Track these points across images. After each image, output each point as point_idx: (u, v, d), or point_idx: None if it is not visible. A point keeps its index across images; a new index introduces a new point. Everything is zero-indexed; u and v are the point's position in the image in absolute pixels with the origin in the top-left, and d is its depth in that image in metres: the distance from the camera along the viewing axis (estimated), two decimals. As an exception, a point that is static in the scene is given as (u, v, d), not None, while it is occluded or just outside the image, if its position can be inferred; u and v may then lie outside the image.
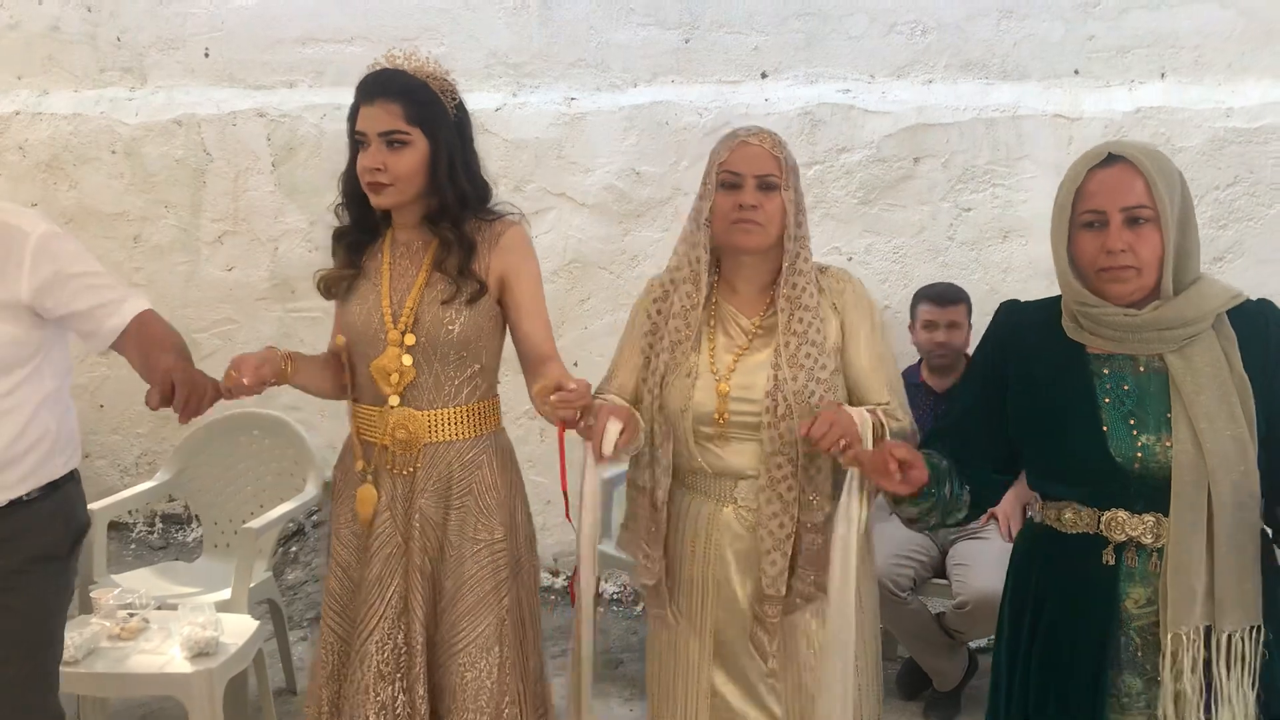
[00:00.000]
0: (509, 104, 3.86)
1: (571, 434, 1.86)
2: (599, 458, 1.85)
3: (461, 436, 2.08)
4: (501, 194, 3.84)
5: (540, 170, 3.83)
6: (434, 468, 2.06)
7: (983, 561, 2.92)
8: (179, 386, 1.88)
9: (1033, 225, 3.46)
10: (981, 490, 1.79)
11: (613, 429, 1.84)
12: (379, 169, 1.97)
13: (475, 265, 2.05)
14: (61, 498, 2.00)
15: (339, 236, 2.14)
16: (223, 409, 3.68)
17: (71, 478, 2.04)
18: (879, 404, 1.95)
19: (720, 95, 3.71)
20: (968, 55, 3.53)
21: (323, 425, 3.80)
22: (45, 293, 1.91)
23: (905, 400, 2.03)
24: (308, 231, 4.07)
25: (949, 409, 1.92)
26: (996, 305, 1.83)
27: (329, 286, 2.13)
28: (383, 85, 2.00)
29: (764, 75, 3.71)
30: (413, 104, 1.99)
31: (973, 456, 1.76)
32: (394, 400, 2.05)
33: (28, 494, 1.92)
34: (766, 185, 1.93)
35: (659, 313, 2.06)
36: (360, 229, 2.12)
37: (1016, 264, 3.48)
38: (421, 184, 2.02)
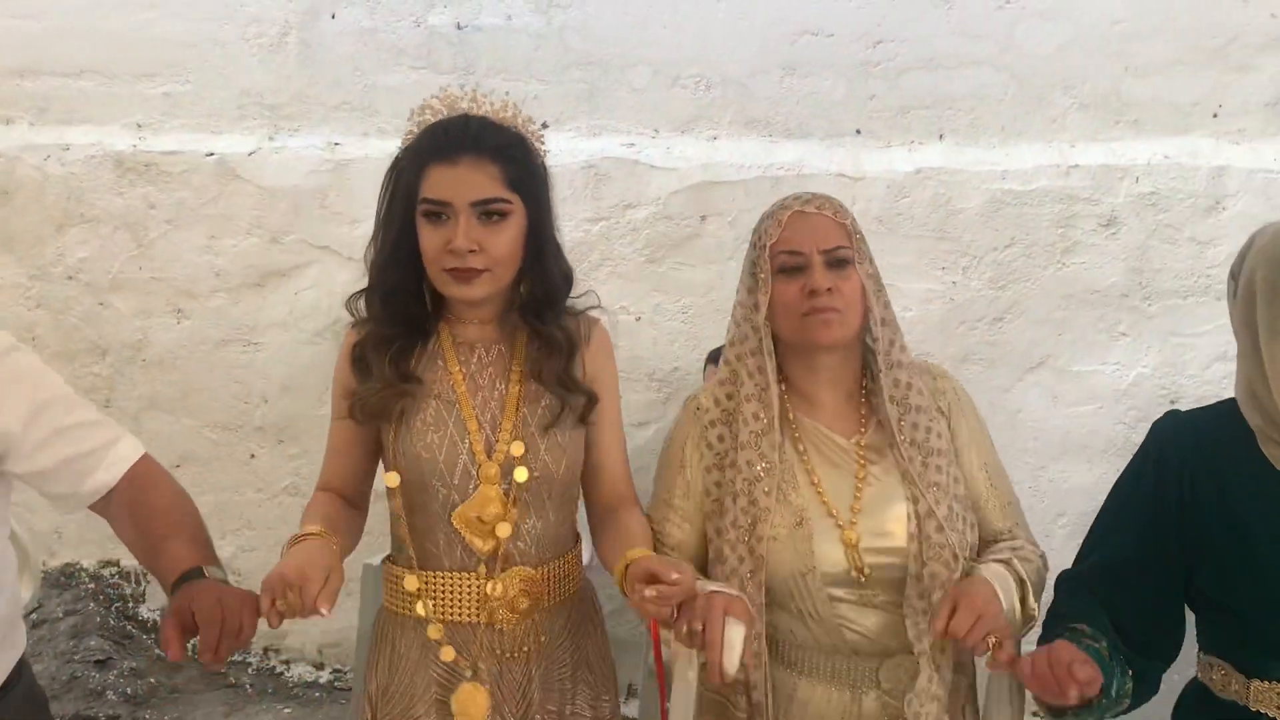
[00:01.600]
0: (264, 148, 3.54)
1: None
2: (719, 676, 1.36)
3: (569, 593, 1.65)
4: (256, 246, 3.58)
5: (300, 221, 3.52)
6: (551, 642, 1.62)
7: None
8: (204, 628, 1.32)
9: (820, 285, 3.40)
10: (1140, 681, 1.45)
11: (736, 636, 1.37)
12: (474, 250, 1.51)
13: (578, 372, 1.62)
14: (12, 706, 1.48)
15: (380, 343, 1.59)
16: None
17: (25, 671, 1.55)
18: (1004, 540, 1.59)
19: (498, 145, 3.51)
20: (752, 112, 3.47)
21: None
22: (3, 436, 1.40)
23: (1024, 518, 1.65)
24: (27, 287, 3.60)
25: (1091, 545, 1.54)
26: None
27: (376, 408, 1.57)
28: (474, 139, 1.54)
29: (545, 125, 3.51)
30: (512, 164, 1.55)
31: (1129, 616, 1.45)
32: (487, 560, 1.56)
33: None
34: (838, 261, 1.56)
35: (720, 439, 1.63)
36: (410, 328, 1.61)
37: (805, 325, 3.41)
38: (517, 268, 1.60)
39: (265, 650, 3.67)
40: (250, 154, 3.52)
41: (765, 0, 3.40)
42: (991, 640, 1.38)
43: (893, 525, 1.53)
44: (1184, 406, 1.68)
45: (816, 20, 3.40)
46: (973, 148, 3.37)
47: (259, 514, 3.59)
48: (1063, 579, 1.58)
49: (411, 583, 1.60)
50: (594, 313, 1.70)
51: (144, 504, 1.49)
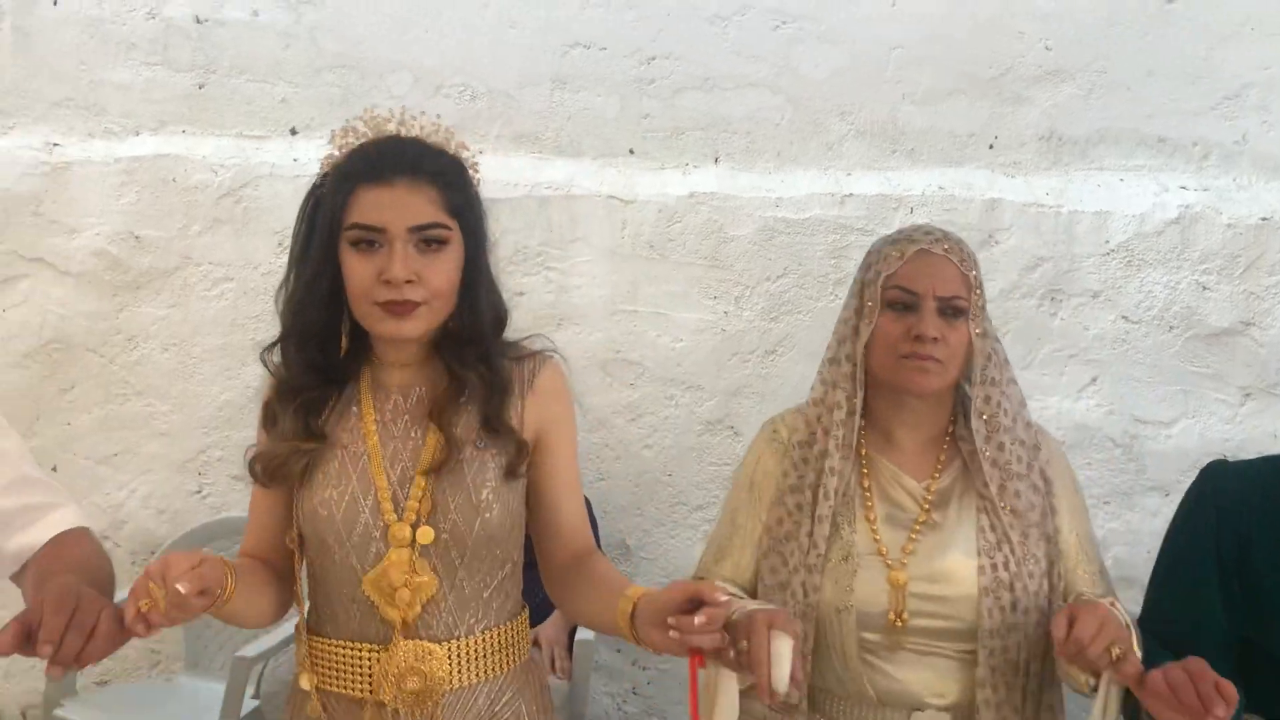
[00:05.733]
0: (-29, 146, 3.23)
1: None
2: (769, 696, 1.24)
3: (493, 673, 1.49)
4: (-44, 256, 3.26)
5: (11, 229, 3.21)
6: None
7: None
8: (48, 615, 1.17)
9: (588, 313, 3.28)
10: None
11: (784, 649, 1.25)
12: (411, 280, 1.39)
13: (512, 418, 1.48)
14: None
15: (287, 394, 1.47)
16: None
17: None
18: (1099, 597, 1.54)
19: (241, 151, 3.29)
20: (520, 126, 3.33)
21: None
22: None
23: (1114, 589, 1.59)
24: None
25: (1149, 611, 1.49)
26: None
27: (275, 469, 1.45)
28: (411, 161, 1.42)
29: (294, 131, 3.34)
30: (451, 189, 1.44)
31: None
32: (399, 631, 1.42)
33: None
34: (952, 310, 1.51)
35: (805, 461, 1.56)
36: (323, 378, 1.48)
37: (572, 354, 3.22)
38: (454, 303, 1.46)
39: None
40: (-46, 152, 3.21)
41: (534, 9, 3.28)
42: (1115, 651, 1.34)
43: (950, 574, 1.51)
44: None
45: (588, 33, 3.29)
46: (747, 173, 3.30)
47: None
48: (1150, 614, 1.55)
49: (301, 650, 1.50)
50: (546, 352, 1.58)
51: (57, 555, 1.39)
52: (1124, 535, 3.22)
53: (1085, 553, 1.62)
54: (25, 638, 1.19)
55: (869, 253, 1.65)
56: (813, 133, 3.30)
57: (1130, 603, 1.59)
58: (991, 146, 3.31)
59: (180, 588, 1.22)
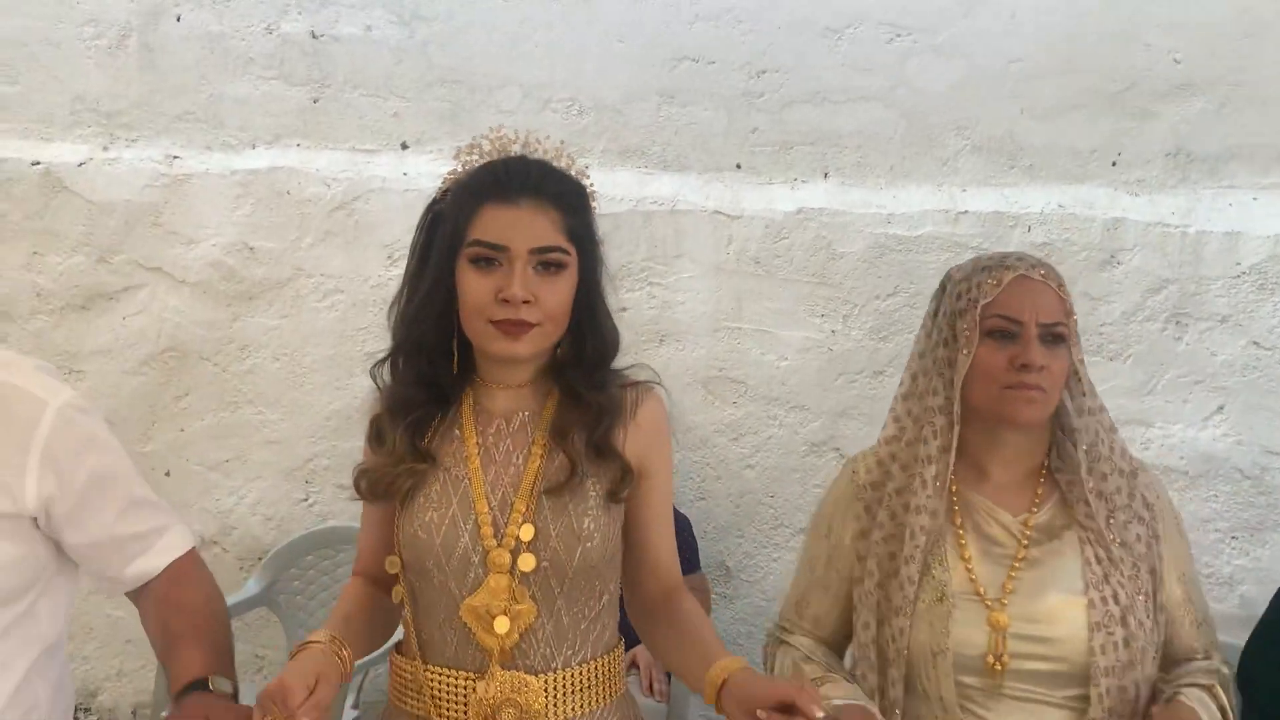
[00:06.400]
0: (96, 158, 3.34)
1: None
2: None
3: (589, 708, 1.47)
4: (82, 265, 3.38)
5: (131, 239, 3.32)
6: None
7: None
8: None
9: (691, 329, 3.25)
10: None
11: None
12: (528, 300, 1.38)
13: (617, 443, 1.47)
14: None
15: (397, 411, 1.47)
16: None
17: None
18: (1198, 661, 1.52)
19: (353, 165, 3.34)
20: (626, 141, 3.33)
21: None
22: (56, 500, 1.35)
23: (1217, 636, 1.55)
24: None
25: (1249, 669, 1.45)
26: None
27: (385, 487, 1.45)
28: (536, 182, 1.43)
29: (404, 146, 3.38)
30: (572, 213, 1.44)
31: None
32: (495, 660, 1.41)
33: None
34: (1054, 337, 1.48)
35: (879, 502, 1.58)
36: (430, 395, 1.48)
37: (674, 371, 3.24)
38: (565, 328, 1.46)
39: (76, 709, 3.42)
40: (81, 165, 3.33)
41: (643, 23, 3.27)
42: None
43: (1054, 613, 1.46)
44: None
45: (697, 46, 3.27)
46: (858, 188, 3.24)
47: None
48: (1246, 681, 1.49)
49: (408, 675, 1.49)
50: (649, 383, 1.55)
51: (175, 599, 1.45)
52: (1252, 572, 3.07)
53: (1190, 598, 1.56)
54: None
55: (953, 281, 1.59)
56: (927, 148, 3.23)
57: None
58: (1114, 164, 3.19)
59: None
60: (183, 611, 1.44)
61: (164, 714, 1.49)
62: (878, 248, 3.18)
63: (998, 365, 1.49)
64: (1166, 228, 3.12)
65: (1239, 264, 3.08)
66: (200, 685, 1.37)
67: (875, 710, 1.49)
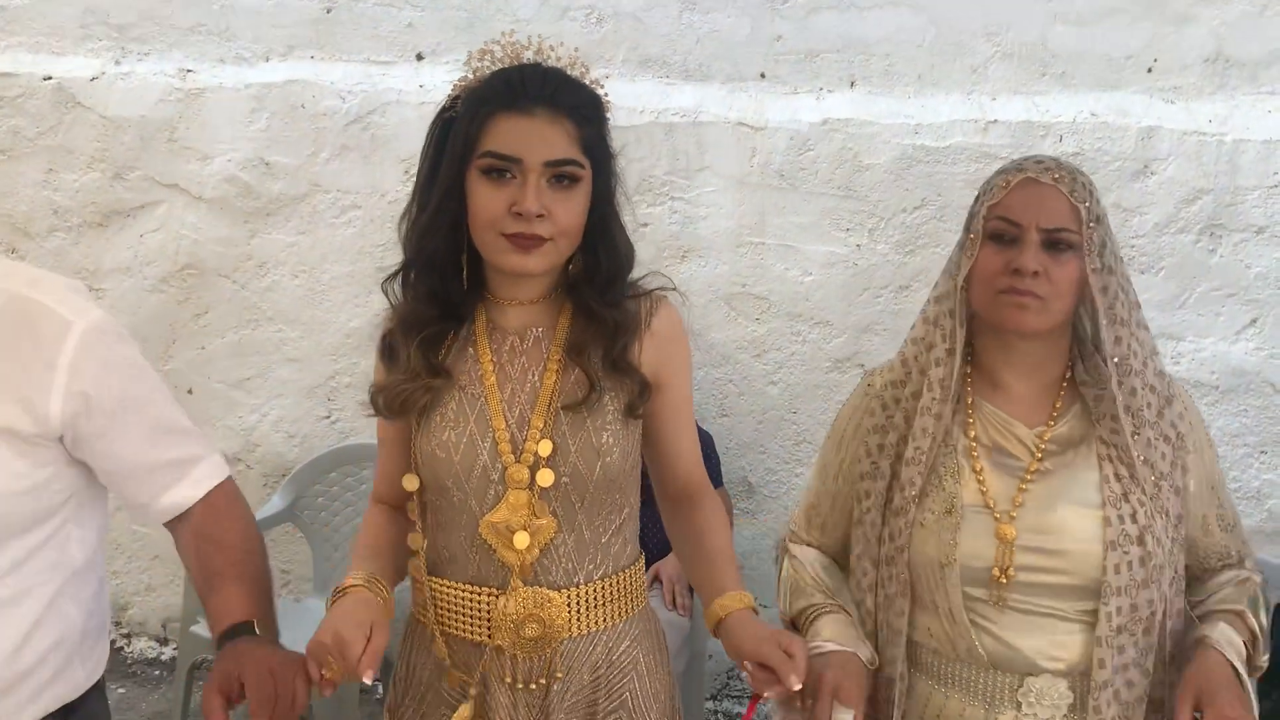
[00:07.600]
0: (109, 73, 3.30)
1: None
2: None
3: (611, 622, 1.48)
4: (98, 182, 3.37)
5: (147, 155, 3.30)
6: (576, 675, 1.47)
7: None
8: (256, 704, 1.27)
9: (713, 244, 3.22)
10: None
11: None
12: (541, 215, 1.36)
13: (633, 358, 1.46)
14: None
15: (410, 327, 1.45)
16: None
17: (96, 692, 1.47)
18: (1230, 569, 1.52)
19: (368, 77, 3.29)
20: (647, 50, 3.26)
21: None
22: (83, 420, 1.34)
23: (1247, 537, 1.54)
24: None
25: None
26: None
27: (400, 404, 1.43)
28: (551, 92, 1.38)
29: (420, 57, 3.32)
30: (587, 125, 1.40)
31: None
32: (517, 576, 1.42)
33: None
34: (1057, 244, 1.43)
35: (896, 401, 1.55)
36: (445, 312, 1.47)
37: (696, 288, 3.22)
38: (578, 243, 1.44)
39: (107, 622, 3.50)
40: (93, 79, 3.29)
41: (664, -74, 3.18)
42: None
43: (1063, 526, 1.43)
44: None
45: (719, -50, 3.18)
46: (885, 98, 3.17)
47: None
48: None
49: (423, 591, 1.49)
50: (662, 291, 1.52)
51: (212, 534, 1.44)
52: (1281, 487, 3.06)
53: (1220, 503, 1.55)
54: (228, 702, 1.29)
55: (984, 183, 1.54)
56: (955, 55, 3.15)
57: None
58: (1150, 70, 3.10)
59: (366, 679, 1.28)
60: (221, 548, 1.44)
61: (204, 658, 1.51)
62: (905, 159, 3.12)
63: (994, 268, 1.44)
64: (1203, 136, 3.04)
65: (1276, 173, 3.01)
66: (245, 628, 1.37)
67: (861, 651, 1.50)
